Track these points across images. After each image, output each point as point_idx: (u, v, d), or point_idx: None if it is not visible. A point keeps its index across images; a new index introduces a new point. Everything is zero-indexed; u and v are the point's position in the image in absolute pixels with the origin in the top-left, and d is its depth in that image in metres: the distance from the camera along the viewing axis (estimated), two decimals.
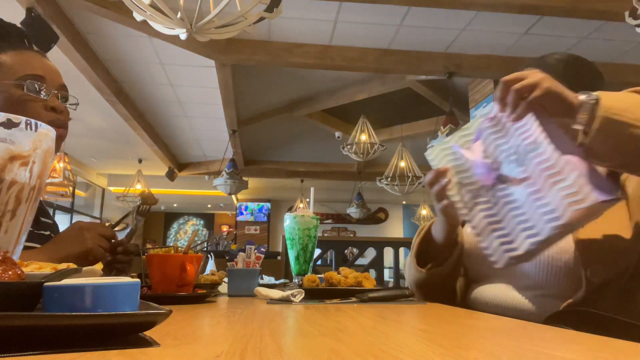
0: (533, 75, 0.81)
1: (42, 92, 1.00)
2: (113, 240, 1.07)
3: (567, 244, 0.90)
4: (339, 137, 6.45)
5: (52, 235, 1.12)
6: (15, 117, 0.54)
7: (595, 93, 0.79)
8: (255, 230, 11.02)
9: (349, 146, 5.55)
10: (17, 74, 0.98)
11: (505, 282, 1.00)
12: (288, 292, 0.95)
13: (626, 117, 0.77)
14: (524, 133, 0.84)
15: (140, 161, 8.06)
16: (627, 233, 0.88)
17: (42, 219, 1.12)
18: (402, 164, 5.96)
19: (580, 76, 1.07)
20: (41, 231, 1.09)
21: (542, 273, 0.93)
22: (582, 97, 0.79)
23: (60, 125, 1.03)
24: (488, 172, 0.89)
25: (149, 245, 7.69)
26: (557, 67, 1.07)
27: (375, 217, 11.31)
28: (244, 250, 1.20)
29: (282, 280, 1.59)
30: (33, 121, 0.55)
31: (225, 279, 1.20)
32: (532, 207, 0.80)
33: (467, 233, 1.13)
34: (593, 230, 0.88)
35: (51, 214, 1.22)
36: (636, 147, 0.78)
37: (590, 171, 0.78)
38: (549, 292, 0.92)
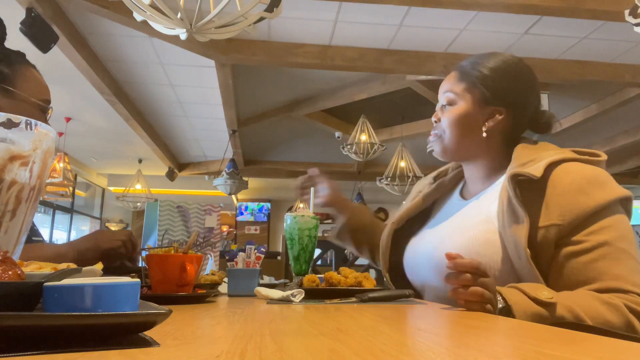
0: (484, 292, 0.81)
1: (47, 117, 1.06)
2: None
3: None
4: (339, 137, 6.44)
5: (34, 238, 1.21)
6: (15, 117, 0.54)
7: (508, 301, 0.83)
8: (255, 230, 11.01)
9: (349, 146, 5.54)
10: (41, 96, 1.04)
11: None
12: (288, 292, 0.95)
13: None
14: None
15: (140, 161, 8.05)
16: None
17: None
18: (402, 164, 5.96)
19: (517, 82, 1.11)
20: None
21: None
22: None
23: None
24: None
25: (149, 245, 7.67)
26: (495, 71, 1.10)
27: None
28: (244, 250, 1.19)
29: (282, 280, 1.59)
30: (33, 121, 0.55)
31: (225, 279, 1.20)
32: None
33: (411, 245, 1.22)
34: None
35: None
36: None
37: None
38: None
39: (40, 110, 1.03)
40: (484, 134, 1.09)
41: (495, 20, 3.63)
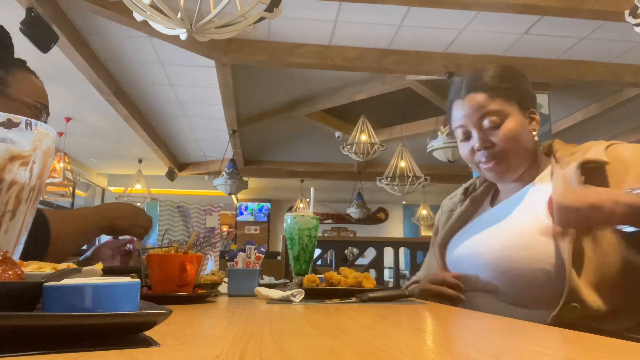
0: (609, 203, 0.83)
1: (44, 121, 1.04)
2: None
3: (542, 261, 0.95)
4: (339, 137, 6.44)
5: None
6: (15, 117, 0.54)
7: None
8: (255, 230, 11.01)
9: (349, 146, 5.54)
10: (34, 98, 1.01)
11: (491, 296, 1.05)
12: (288, 292, 0.95)
13: None
14: None
15: (140, 161, 8.06)
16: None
17: None
18: (402, 164, 5.96)
19: (525, 81, 1.16)
20: None
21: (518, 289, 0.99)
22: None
23: None
24: None
25: (148, 246, 7.66)
26: (493, 82, 1.12)
27: (375, 217, 11.30)
28: (244, 250, 1.19)
29: (282, 280, 1.59)
30: (33, 121, 0.55)
31: (225, 279, 1.20)
32: None
33: (450, 251, 1.21)
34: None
35: None
36: None
37: None
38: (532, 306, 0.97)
39: (34, 109, 1.00)
40: (536, 137, 1.13)
41: (495, 20, 3.63)
